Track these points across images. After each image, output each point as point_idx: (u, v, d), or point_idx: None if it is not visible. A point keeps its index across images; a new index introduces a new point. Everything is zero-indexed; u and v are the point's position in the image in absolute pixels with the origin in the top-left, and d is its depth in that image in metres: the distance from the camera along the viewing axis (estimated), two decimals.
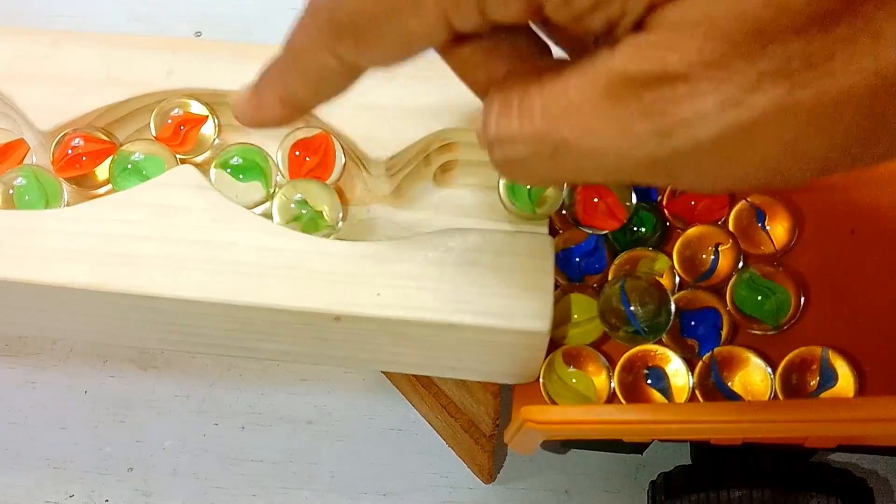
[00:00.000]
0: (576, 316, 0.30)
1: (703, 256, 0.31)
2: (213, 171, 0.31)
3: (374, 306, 0.28)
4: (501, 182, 0.30)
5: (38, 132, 0.32)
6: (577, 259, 0.31)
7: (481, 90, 0.22)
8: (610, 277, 0.31)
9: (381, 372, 0.42)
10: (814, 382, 0.28)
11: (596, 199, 0.30)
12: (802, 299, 0.30)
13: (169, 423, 0.42)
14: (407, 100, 0.31)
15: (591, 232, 0.31)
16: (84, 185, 0.32)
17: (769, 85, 0.17)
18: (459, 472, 0.40)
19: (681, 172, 0.19)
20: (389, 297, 0.28)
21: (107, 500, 0.40)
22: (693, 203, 0.31)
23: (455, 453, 0.40)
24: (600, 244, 0.31)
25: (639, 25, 0.18)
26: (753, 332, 0.30)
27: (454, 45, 0.22)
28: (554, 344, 0.30)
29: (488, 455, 0.37)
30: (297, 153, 0.31)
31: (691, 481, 0.32)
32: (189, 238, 0.29)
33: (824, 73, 0.17)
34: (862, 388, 0.28)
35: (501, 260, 0.28)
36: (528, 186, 0.30)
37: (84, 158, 0.31)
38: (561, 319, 0.30)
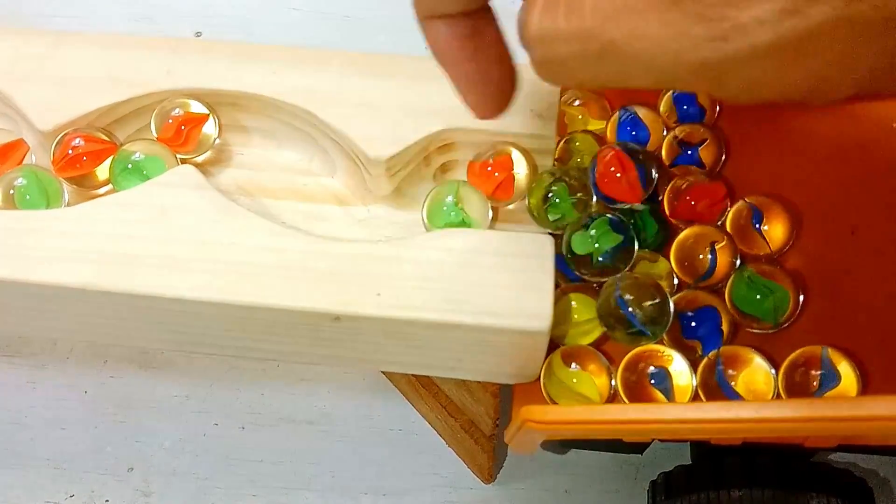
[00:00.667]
0: (576, 316, 0.30)
1: (701, 257, 0.31)
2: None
3: (374, 306, 0.28)
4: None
5: (38, 132, 0.32)
6: None
7: None
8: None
9: (381, 372, 0.42)
10: (816, 382, 0.28)
11: (619, 174, 0.30)
12: (801, 297, 0.30)
13: (169, 423, 0.42)
14: (407, 100, 0.31)
15: (612, 207, 0.31)
16: (84, 185, 0.32)
17: None
18: (459, 472, 0.40)
19: (729, 78, 0.19)
20: (389, 297, 0.28)
21: (107, 500, 0.40)
22: (693, 203, 0.31)
23: (455, 453, 0.40)
24: None
25: None
26: (753, 331, 0.30)
27: None
28: (554, 344, 0.30)
29: (488, 455, 0.37)
30: (488, 168, 0.31)
31: (691, 481, 0.32)
32: (189, 238, 0.29)
33: None
34: (865, 387, 0.28)
35: (501, 260, 0.28)
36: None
37: (84, 158, 0.31)
38: (561, 319, 0.30)
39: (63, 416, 0.42)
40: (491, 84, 0.24)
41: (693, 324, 0.30)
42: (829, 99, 0.20)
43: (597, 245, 0.29)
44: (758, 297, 0.29)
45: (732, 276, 0.30)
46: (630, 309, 0.28)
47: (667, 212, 0.32)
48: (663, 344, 0.30)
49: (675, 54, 0.19)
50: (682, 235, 0.31)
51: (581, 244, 0.29)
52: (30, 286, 0.29)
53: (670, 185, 0.32)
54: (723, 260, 0.30)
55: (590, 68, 0.20)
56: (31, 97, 0.32)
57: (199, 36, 0.54)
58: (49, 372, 0.43)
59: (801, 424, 0.26)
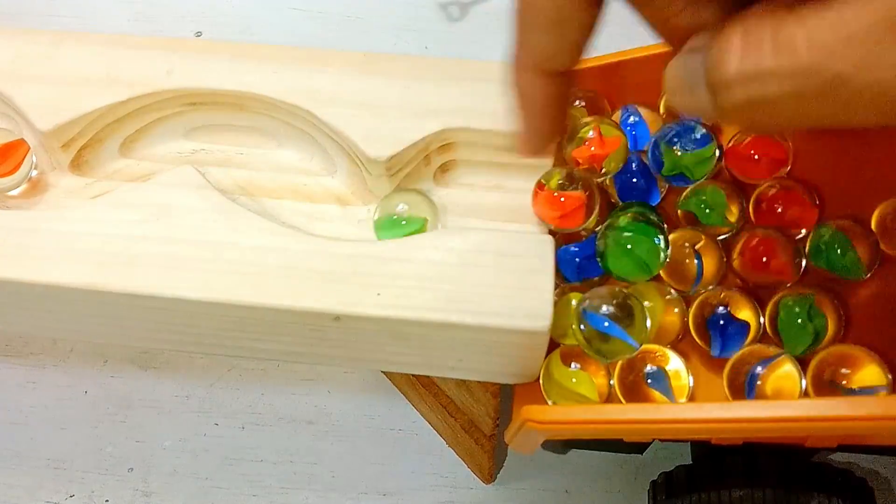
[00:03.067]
0: None
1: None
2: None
3: (374, 306, 0.28)
4: None
5: (38, 132, 0.32)
6: (577, 259, 0.31)
7: (680, 39, 0.21)
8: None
9: (381, 372, 0.42)
10: (846, 382, 0.28)
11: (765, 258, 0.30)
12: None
13: (169, 423, 0.42)
14: (407, 100, 0.31)
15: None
16: None
17: None
18: (459, 472, 0.40)
19: None
20: (389, 297, 0.28)
21: (107, 500, 0.40)
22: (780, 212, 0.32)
23: (455, 453, 0.40)
24: None
25: None
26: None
27: None
28: (554, 344, 0.30)
29: (488, 455, 0.37)
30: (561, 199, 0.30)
31: (692, 481, 0.32)
32: (189, 238, 0.29)
33: None
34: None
35: (501, 260, 0.28)
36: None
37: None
38: (561, 319, 0.30)
39: (63, 416, 0.42)
40: (550, 134, 0.26)
41: (721, 322, 0.30)
42: None
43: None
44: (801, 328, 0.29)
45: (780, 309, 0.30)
46: (600, 317, 0.27)
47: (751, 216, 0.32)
48: (687, 330, 0.30)
49: None
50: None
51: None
52: (29, 286, 0.29)
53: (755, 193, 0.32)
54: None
55: (806, 107, 0.18)
56: (31, 97, 0.32)
57: (199, 36, 0.54)
58: (49, 372, 0.43)
59: (802, 424, 0.26)
